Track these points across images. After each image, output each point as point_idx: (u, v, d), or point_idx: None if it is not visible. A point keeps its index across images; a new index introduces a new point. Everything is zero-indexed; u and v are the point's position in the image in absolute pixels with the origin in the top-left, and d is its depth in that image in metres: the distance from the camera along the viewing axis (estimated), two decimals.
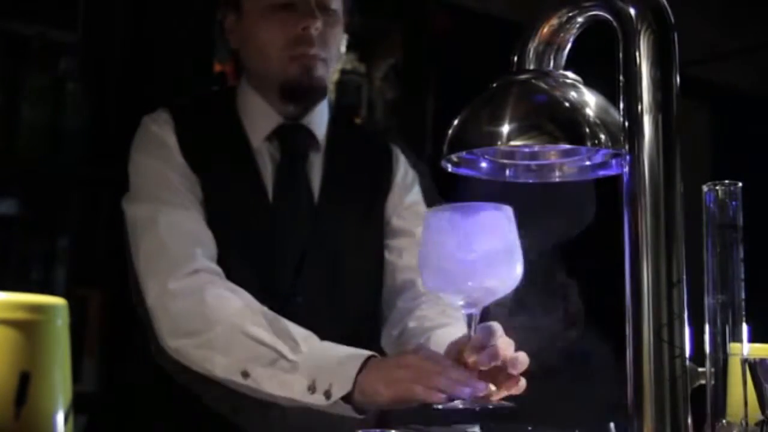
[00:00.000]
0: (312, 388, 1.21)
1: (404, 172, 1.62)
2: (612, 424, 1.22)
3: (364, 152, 1.60)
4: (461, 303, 1.10)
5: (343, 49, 1.60)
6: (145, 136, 1.50)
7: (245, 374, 1.26)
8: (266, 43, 1.47)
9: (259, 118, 1.52)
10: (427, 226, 1.10)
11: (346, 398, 1.19)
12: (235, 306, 1.31)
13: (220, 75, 2.56)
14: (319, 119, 1.56)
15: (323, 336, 1.31)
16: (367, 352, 1.22)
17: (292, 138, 1.52)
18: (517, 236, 1.11)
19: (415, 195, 1.62)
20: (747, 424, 0.85)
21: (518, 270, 1.10)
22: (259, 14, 1.47)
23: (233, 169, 1.49)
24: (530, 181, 1.00)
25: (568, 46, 0.92)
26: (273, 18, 1.46)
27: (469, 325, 1.12)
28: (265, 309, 1.31)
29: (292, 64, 1.46)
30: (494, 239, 1.08)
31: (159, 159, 1.46)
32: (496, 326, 1.17)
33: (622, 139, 0.84)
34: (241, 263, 1.42)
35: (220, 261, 1.40)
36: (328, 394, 1.19)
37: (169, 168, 1.45)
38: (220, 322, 1.29)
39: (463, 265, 1.07)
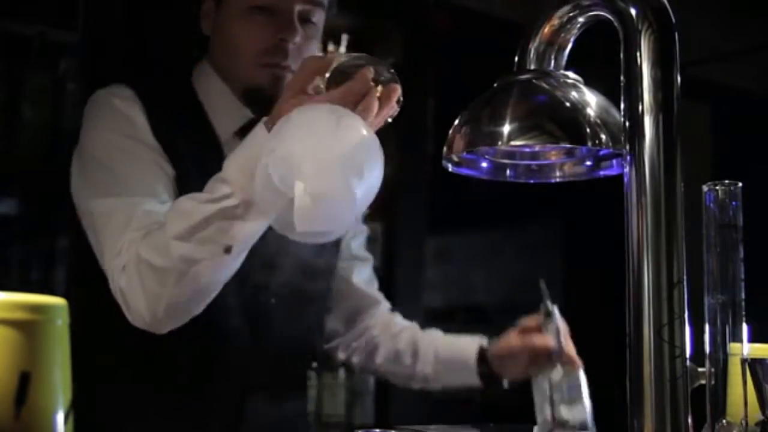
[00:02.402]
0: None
1: None
2: (542, 281, 1.48)
3: None
4: None
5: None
6: (109, 112, 1.40)
7: (227, 249, 1.19)
8: (240, 45, 1.43)
9: (227, 110, 1.46)
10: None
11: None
12: (169, 227, 1.22)
13: None
14: None
15: (279, 339, 1.36)
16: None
17: None
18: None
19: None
20: (747, 424, 0.84)
21: None
22: (239, 13, 1.42)
23: (205, 163, 1.38)
24: (531, 181, 1.00)
25: (569, 46, 0.92)
26: (252, 21, 1.41)
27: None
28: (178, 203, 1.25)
29: (262, 72, 1.42)
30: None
31: (130, 138, 1.37)
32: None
33: (622, 139, 0.84)
34: None
35: None
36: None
37: (142, 148, 1.36)
38: (169, 252, 1.20)
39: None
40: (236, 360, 1.41)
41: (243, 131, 1.41)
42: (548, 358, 1.48)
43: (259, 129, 1.18)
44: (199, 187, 1.30)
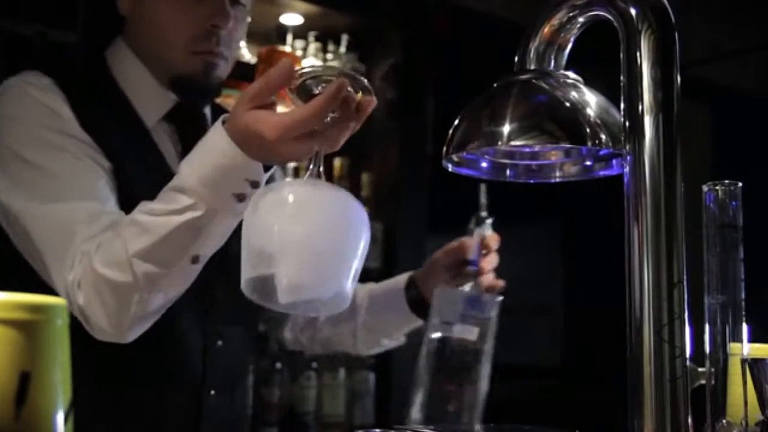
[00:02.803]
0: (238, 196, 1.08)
1: None
2: (483, 185, 1.37)
3: None
4: None
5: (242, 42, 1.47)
6: (30, 104, 1.27)
7: (195, 259, 1.13)
8: (168, 31, 1.33)
9: (150, 95, 1.37)
10: None
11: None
12: (121, 242, 1.13)
13: None
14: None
15: (234, 335, 1.32)
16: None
17: (191, 122, 1.39)
18: None
19: None
20: (747, 424, 0.84)
21: None
22: None
23: (138, 152, 1.32)
24: (531, 181, 1.00)
25: (569, 46, 0.92)
26: (180, 4, 1.32)
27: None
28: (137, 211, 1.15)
29: (193, 60, 1.34)
30: None
31: (59, 133, 1.26)
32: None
33: (622, 139, 0.84)
34: None
35: None
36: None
37: (74, 144, 1.25)
38: (131, 270, 1.12)
39: None
40: (189, 356, 1.35)
41: (170, 117, 1.38)
42: (464, 267, 1.38)
43: (219, 136, 1.08)
44: (136, 179, 1.25)
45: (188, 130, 1.37)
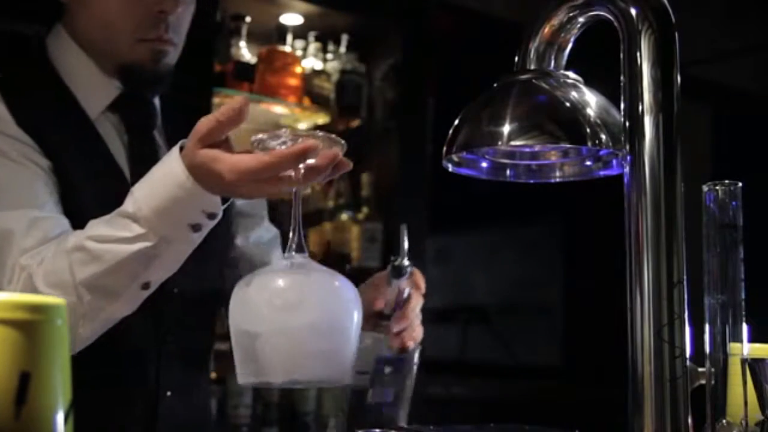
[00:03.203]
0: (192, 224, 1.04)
1: None
2: (404, 226, 1.18)
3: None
4: None
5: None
6: None
7: (145, 286, 1.10)
8: (112, 17, 1.27)
9: (93, 85, 1.32)
10: None
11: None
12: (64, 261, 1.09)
13: (220, 75, 2.57)
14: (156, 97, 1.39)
15: (189, 327, 1.28)
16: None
17: (138, 112, 1.34)
18: None
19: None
20: (747, 424, 0.84)
21: None
22: None
23: (80, 147, 1.27)
24: (531, 181, 1.00)
25: (569, 46, 0.92)
26: None
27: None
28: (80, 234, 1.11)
29: (141, 48, 1.28)
30: None
31: None
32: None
33: (622, 139, 0.84)
34: None
35: None
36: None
37: (10, 144, 1.20)
38: (77, 295, 1.08)
39: None
40: (144, 358, 1.31)
41: (114, 107, 1.32)
42: (380, 319, 1.24)
43: (176, 165, 1.02)
44: (78, 173, 1.20)
45: (134, 119, 1.34)
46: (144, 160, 1.25)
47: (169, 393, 1.33)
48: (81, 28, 1.32)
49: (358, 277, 1.09)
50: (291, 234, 0.96)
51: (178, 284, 1.28)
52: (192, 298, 1.35)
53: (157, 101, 1.39)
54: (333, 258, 2.76)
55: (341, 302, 0.94)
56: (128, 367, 1.30)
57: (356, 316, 0.95)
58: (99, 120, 1.31)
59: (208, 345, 1.46)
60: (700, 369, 0.88)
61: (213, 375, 2.35)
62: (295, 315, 0.91)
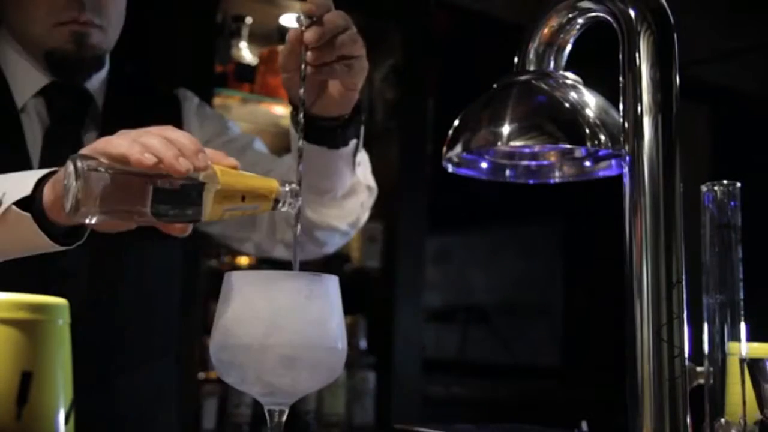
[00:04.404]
0: None
1: (199, 123, 1.41)
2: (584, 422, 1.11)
3: (147, 113, 1.17)
4: None
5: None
6: None
7: None
8: (26, 3, 1.25)
9: (25, 73, 1.31)
10: None
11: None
12: None
13: (221, 76, 2.57)
14: (99, 82, 1.36)
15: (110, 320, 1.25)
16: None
17: (63, 99, 1.32)
18: None
19: (229, 134, 1.41)
20: (745, 423, 0.85)
21: None
22: None
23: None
24: (530, 181, 1.00)
25: (569, 47, 0.93)
26: None
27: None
28: None
29: (59, 32, 1.26)
30: None
31: None
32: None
33: (622, 139, 0.84)
34: None
35: None
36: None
37: None
38: None
39: None
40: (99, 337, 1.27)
41: (43, 94, 1.31)
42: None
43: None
44: None
45: (59, 107, 1.31)
46: (57, 152, 1.22)
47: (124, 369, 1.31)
48: (9, 16, 1.32)
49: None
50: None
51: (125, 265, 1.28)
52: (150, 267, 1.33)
53: (101, 85, 1.35)
54: (333, 258, 2.76)
55: (315, 326, 0.86)
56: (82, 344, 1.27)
57: (335, 323, 0.86)
58: (27, 107, 1.30)
59: (172, 323, 1.44)
60: (699, 368, 0.88)
61: (214, 375, 2.36)
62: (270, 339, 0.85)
